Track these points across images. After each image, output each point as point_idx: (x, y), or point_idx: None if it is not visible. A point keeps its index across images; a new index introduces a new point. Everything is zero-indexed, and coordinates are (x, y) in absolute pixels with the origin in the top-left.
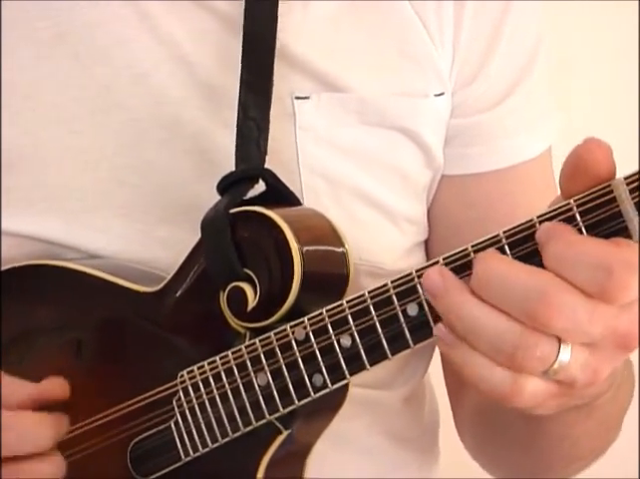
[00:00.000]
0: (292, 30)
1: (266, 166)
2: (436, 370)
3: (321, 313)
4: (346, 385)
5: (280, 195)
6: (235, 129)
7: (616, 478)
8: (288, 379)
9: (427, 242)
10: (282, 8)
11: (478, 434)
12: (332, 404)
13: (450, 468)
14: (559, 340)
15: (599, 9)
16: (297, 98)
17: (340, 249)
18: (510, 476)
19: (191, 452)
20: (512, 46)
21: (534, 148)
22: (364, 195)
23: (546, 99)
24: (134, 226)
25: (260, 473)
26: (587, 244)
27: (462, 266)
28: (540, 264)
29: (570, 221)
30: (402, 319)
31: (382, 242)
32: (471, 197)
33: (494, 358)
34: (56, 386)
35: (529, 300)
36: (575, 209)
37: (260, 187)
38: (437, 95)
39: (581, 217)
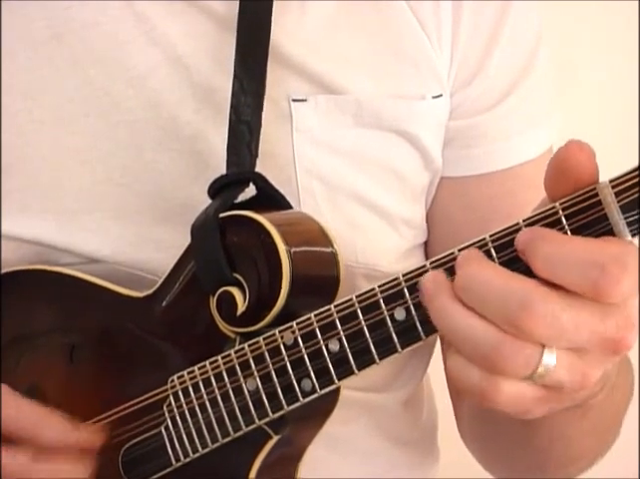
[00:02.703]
0: (289, 31)
1: (263, 168)
2: (435, 372)
3: (309, 318)
4: (337, 390)
5: (271, 198)
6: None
7: (616, 478)
8: (277, 384)
9: (426, 244)
10: (279, 9)
11: (477, 434)
12: (323, 409)
13: (450, 468)
14: (543, 345)
15: (599, 9)
16: (294, 100)
17: (329, 250)
18: (511, 476)
19: (182, 457)
20: (511, 46)
21: (534, 148)
22: (361, 197)
23: (546, 100)
24: (128, 227)
25: (251, 478)
26: (576, 243)
27: (448, 270)
28: (526, 269)
29: (556, 224)
30: (389, 324)
31: (379, 245)
32: (470, 198)
33: (475, 361)
34: (95, 435)
35: (510, 308)
36: (561, 212)
37: (252, 190)
38: (434, 97)
39: (567, 220)
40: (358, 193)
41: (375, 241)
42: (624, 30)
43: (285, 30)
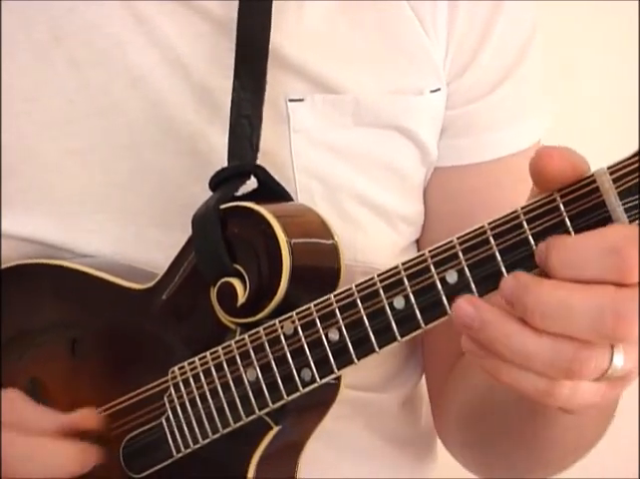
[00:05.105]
0: (286, 31)
1: None
2: None
3: (309, 307)
4: (337, 382)
5: (272, 191)
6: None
7: (616, 478)
8: (277, 374)
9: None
10: (276, 7)
11: (466, 435)
12: (323, 400)
13: (448, 468)
14: (612, 346)
15: (599, 9)
16: (291, 100)
17: (330, 242)
18: (503, 477)
19: (183, 448)
20: (505, 37)
21: (521, 141)
22: (360, 196)
23: (537, 93)
24: (129, 227)
25: (251, 469)
26: (586, 238)
27: (448, 258)
28: (525, 255)
29: (554, 211)
30: (388, 312)
31: (377, 244)
32: (455, 188)
33: (546, 375)
34: (89, 417)
35: (606, 321)
36: (559, 199)
37: (253, 184)
38: (432, 91)
39: (565, 207)
40: (357, 191)
41: (374, 240)
42: (624, 30)
43: (282, 29)
